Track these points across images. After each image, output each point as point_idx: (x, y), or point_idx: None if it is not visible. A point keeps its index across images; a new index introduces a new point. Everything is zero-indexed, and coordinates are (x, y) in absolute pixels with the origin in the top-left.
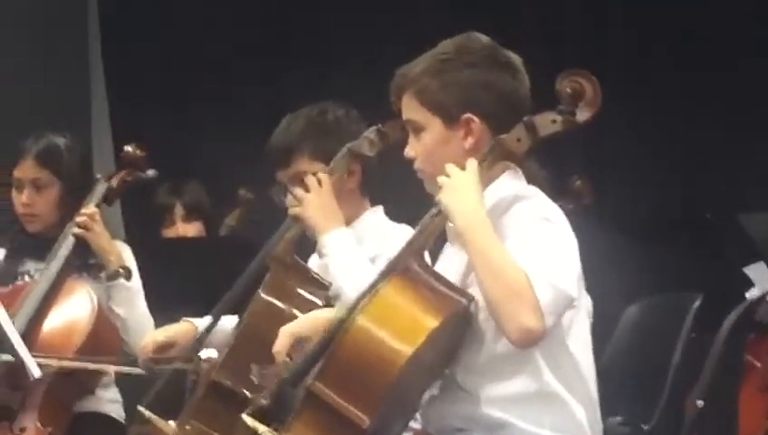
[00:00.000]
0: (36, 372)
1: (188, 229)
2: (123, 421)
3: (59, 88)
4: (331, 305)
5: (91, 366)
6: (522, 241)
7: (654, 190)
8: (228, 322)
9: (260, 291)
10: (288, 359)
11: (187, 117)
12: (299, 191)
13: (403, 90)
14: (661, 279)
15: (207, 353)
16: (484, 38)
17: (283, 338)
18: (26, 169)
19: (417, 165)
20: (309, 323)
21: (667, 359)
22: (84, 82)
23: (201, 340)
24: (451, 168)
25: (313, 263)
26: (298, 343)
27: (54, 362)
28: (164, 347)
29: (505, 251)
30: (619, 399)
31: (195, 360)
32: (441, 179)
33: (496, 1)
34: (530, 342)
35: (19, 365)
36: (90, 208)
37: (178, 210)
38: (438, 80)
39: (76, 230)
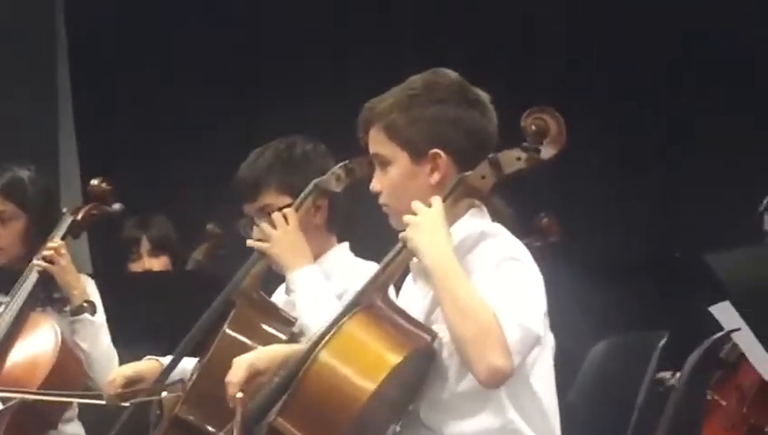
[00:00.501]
0: None
1: (154, 264)
2: None
3: (27, 121)
4: (296, 341)
5: (52, 398)
6: (488, 280)
7: (621, 228)
8: (189, 362)
9: (225, 326)
10: (241, 392)
11: (156, 151)
12: (265, 227)
13: (371, 123)
14: (627, 318)
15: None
16: (452, 74)
17: (238, 369)
18: None
19: (382, 199)
20: (266, 356)
21: (631, 398)
22: (52, 115)
23: (165, 375)
24: (417, 205)
25: (278, 297)
26: (253, 375)
27: (17, 396)
28: (131, 382)
29: (474, 290)
30: None
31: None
32: (407, 218)
33: (467, 39)
34: (498, 381)
35: None
36: (55, 242)
37: (144, 244)
38: (406, 115)
39: (41, 264)
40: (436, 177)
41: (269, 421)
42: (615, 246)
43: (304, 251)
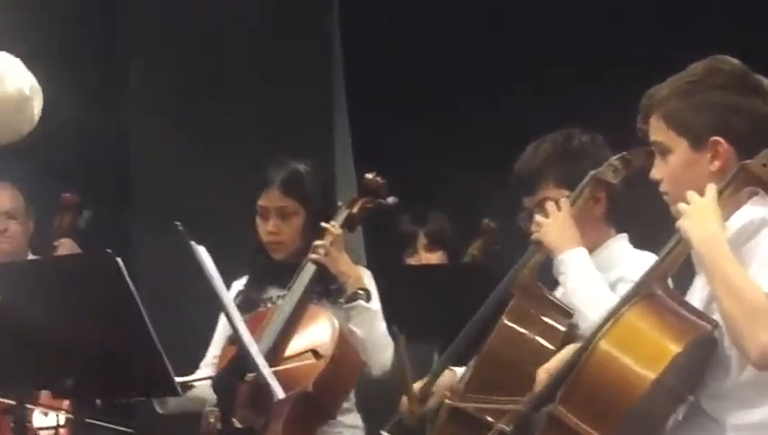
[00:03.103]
0: (280, 394)
1: (431, 258)
2: None
3: (302, 117)
4: (574, 333)
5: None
6: (764, 262)
7: None
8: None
9: (503, 317)
10: None
11: (431, 146)
12: (539, 217)
13: (651, 111)
14: None
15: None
16: (734, 61)
17: (544, 378)
18: (272, 198)
19: (662, 187)
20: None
21: None
22: (327, 111)
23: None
24: (691, 195)
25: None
26: None
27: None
28: (423, 399)
29: (745, 273)
30: None
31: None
32: (681, 206)
33: (745, 23)
34: None
35: (264, 388)
36: (334, 230)
37: (421, 239)
38: (686, 102)
39: (313, 257)
40: (716, 164)
41: (548, 410)
42: None
43: (574, 236)
